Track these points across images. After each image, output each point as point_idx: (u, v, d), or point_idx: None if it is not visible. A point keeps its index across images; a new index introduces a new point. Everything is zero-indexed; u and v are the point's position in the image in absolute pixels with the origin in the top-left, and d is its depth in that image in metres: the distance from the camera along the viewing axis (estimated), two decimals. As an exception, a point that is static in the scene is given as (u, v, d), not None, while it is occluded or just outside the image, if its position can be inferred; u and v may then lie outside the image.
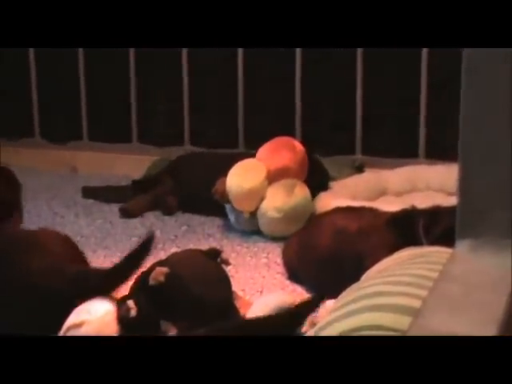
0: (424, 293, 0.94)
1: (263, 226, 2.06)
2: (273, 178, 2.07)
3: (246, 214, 2.05)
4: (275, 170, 2.06)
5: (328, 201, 2.07)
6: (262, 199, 2.05)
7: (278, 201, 2.03)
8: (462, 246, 0.75)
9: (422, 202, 1.82)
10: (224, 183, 2.06)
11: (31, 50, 2.87)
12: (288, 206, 2.01)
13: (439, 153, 2.47)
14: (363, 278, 1.24)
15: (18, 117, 2.96)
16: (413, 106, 2.57)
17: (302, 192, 2.05)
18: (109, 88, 2.84)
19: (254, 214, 2.06)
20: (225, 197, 2.06)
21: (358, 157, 2.62)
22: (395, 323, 0.89)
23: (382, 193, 2.33)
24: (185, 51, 2.72)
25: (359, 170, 2.49)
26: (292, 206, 2.01)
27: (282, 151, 2.08)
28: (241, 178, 2.03)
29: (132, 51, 2.77)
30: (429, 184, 2.34)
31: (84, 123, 2.88)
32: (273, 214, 2.02)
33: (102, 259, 1.95)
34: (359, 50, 2.57)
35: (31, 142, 2.94)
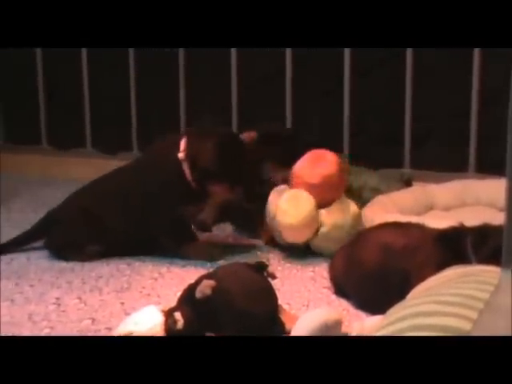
0: (472, 314, 0.93)
1: (315, 247, 2.04)
2: (314, 191, 2.00)
3: (299, 244, 2.03)
4: (314, 184, 2.00)
5: (375, 214, 2.06)
6: (314, 228, 1.99)
7: (334, 232, 1.99)
8: (508, 276, 0.74)
9: (472, 217, 1.80)
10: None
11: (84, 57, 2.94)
12: (343, 230, 1.98)
13: (490, 167, 2.43)
14: (410, 295, 1.23)
15: (70, 126, 3.03)
16: (463, 119, 2.54)
17: (354, 212, 2.02)
18: (159, 96, 2.89)
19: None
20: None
21: (407, 170, 2.60)
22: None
23: (429, 207, 2.30)
24: (234, 59, 2.75)
25: (407, 183, 2.47)
26: (346, 229, 1.98)
27: (318, 166, 2.01)
28: (289, 214, 1.98)
29: (181, 61, 2.81)
30: (479, 199, 2.31)
31: (133, 134, 2.93)
32: (329, 245, 1.98)
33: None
34: (409, 63, 2.55)
35: (82, 152, 3.01)
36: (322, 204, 2.01)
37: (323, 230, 2.00)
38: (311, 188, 2.00)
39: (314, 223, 2.00)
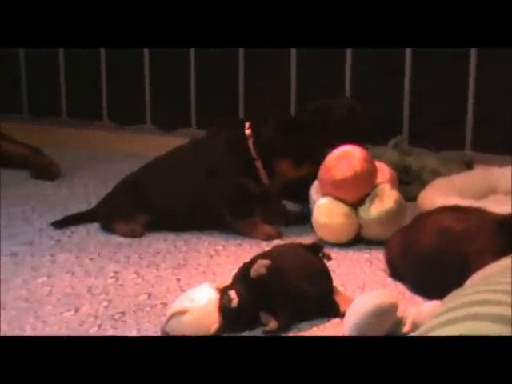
0: (533, 304, 0.91)
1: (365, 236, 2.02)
2: (341, 187, 1.97)
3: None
4: (340, 181, 1.97)
5: (434, 198, 2.03)
6: (354, 229, 1.98)
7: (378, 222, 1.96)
8: None
9: (535, 202, 1.75)
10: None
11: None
12: (382, 214, 1.95)
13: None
14: (468, 282, 1.21)
15: (131, 103, 3.07)
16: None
17: (391, 198, 1.97)
18: (218, 73, 2.90)
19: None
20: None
21: (468, 153, 2.54)
22: (501, 334, 0.87)
23: (491, 191, 2.25)
24: (293, 52, 2.74)
25: (468, 166, 2.42)
26: (387, 212, 1.95)
27: (345, 162, 1.97)
28: (327, 228, 1.98)
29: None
30: (543, 183, 2.24)
31: (192, 111, 2.95)
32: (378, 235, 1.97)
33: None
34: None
35: (141, 129, 3.05)
36: (350, 200, 1.97)
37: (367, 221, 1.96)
38: (338, 184, 1.97)
39: (353, 228, 1.98)
